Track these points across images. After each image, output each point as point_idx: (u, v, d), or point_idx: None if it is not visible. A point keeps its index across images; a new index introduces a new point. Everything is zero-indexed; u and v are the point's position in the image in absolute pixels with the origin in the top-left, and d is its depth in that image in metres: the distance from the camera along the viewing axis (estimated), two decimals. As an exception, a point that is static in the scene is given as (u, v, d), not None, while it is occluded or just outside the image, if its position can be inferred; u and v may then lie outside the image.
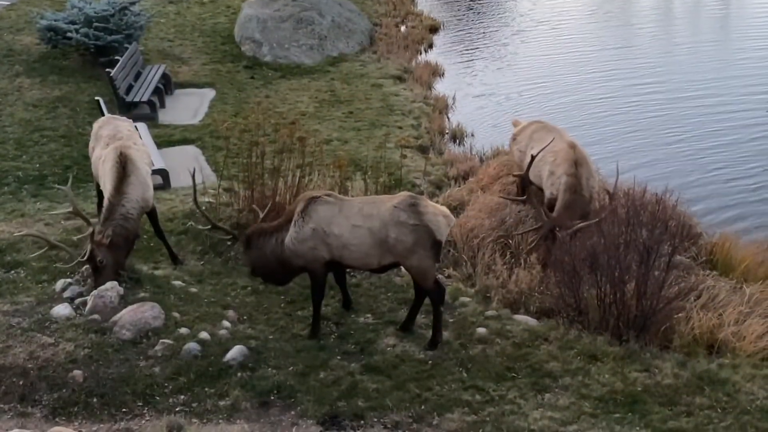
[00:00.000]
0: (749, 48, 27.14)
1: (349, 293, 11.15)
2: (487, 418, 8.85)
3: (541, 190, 13.66)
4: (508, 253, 12.82)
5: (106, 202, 11.45)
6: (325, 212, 10.04)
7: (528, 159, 13.45)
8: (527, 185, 13.84)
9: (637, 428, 8.74)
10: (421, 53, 26.75)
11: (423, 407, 9.03)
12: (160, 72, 20.80)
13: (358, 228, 9.91)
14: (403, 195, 10.18)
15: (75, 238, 12.17)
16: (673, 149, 18.81)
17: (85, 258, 10.91)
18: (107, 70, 19.34)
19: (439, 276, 12.13)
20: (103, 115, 15.47)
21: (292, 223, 10.19)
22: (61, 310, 10.49)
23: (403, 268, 10.98)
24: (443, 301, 10.46)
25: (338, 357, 9.96)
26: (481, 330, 10.60)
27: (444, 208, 10.42)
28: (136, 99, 19.29)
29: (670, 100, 21.88)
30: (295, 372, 9.55)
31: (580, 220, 12.17)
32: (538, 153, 12.92)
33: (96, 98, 17.99)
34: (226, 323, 10.56)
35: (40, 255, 11.81)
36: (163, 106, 20.07)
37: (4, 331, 9.98)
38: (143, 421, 8.62)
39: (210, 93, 21.23)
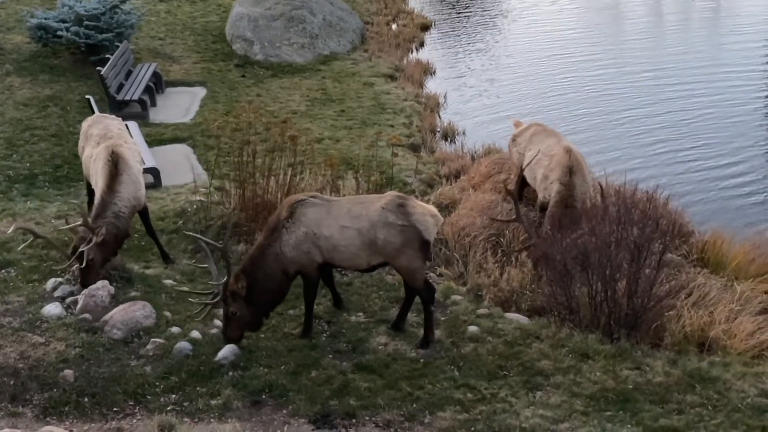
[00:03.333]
0: (742, 42, 27.21)
1: (339, 292, 11.14)
2: (479, 417, 8.85)
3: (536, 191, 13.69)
4: (500, 251, 12.84)
5: (98, 199, 11.43)
6: (314, 214, 9.97)
7: (526, 161, 13.47)
8: (523, 186, 13.91)
9: (629, 426, 8.75)
10: (412, 51, 26.77)
11: (415, 406, 9.02)
12: (151, 70, 20.77)
13: (346, 229, 9.89)
14: (390, 195, 10.16)
15: (68, 237, 12.10)
16: (664, 146, 18.84)
17: (83, 263, 10.85)
18: (98, 68, 19.31)
19: (430, 274, 12.16)
20: (93, 113, 15.43)
21: (283, 230, 9.97)
22: (52, 309, 10.47)
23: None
24: (434, 300, 10.45)
25: (330, 356, 9.96)
26: (473, 328, 10.60)
27: (432, 208, 10.44)
28: (127, 97, 19.27)
29: (662, 97, 21.93)
30: (286, 371, 9.54)
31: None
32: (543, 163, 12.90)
33: (87, 97, 17.96)
34: (217, 322, 10.52)
35: (30, 254, 11.79)
36: (154, 104, 20.05)
37: (-5, 331, 9.97)
38: (134, 421, 8.61)
39: (201, 91, 21.22)
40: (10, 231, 11.85)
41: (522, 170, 13.27)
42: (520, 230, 13.10)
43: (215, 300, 9.91)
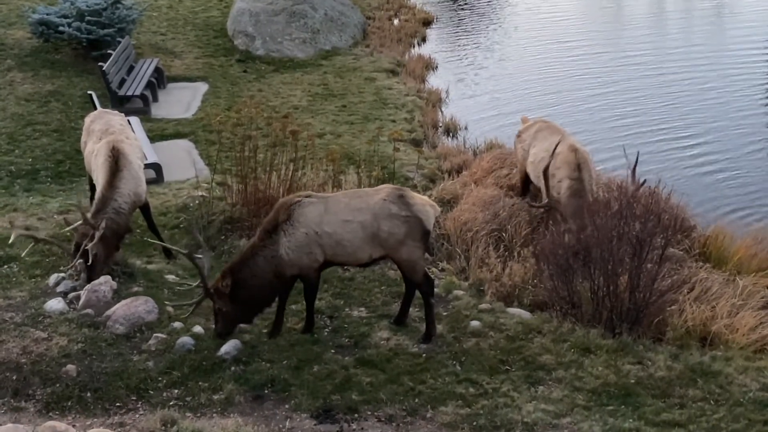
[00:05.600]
0: (744, 35, 27.15)
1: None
2: (481, 411, 8.85)
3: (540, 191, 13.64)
4: (502, 246, 12.84)
5: (98, 195, 11.44)
6: (313, 213, 9.83)
7: (530, 158, 13.48)
8: (527, 182, 13.95)
9: (630, 420, 8.75)
10: (414, 46, 26.74)
11: (417, 400, 9.03)
12: (152, 66, 20.78)
13: (348, 223, 9.84)
14: (388, 188, 10.16)
15: (69, 234, 12.10)
16: (666, 141, 18.82)
17: (87, 258, 10.84)
18: (99, 64, 19.33)
19: (431, 269, 12.16)
20: (95, 109, 15.44)
21: (281, 233, 9.81)
22: (55, 304, 10.47)
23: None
24: (433, 293, 10.43)
25: (332, 351, 9.96)
26: (475, 323, 10.60)
27: (427, 198, 10.51)
28: (129, 93, 19.29)
29: (664, 92, 21.90)
30: (288, 366, 9.54)
31: None
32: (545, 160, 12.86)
33: (88, 92, 17.97)
34: (219, 317, 10.54)
35: (32, 250, 11.77)
36: (155, 100, 20.06)
37: (-3, 326, 9.97)
38: (137, 416, 8.60)
39: (203, 87, 21.23)
40: (11, 240, 11.68)
41: (526, 169, 13.33)
42: (522, 225, 13.12)
43: (194, 303, 9.88)
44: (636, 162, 12.68)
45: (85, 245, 10.81)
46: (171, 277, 11.63)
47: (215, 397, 8.96)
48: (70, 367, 9.23)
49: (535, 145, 13.59)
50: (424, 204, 10.08)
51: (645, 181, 12.30)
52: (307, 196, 10.06)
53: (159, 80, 20.84)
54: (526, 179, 14.05)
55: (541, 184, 13.02)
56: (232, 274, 9.76)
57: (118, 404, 8.81)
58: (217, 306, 9.82)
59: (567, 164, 12.68)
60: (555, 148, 12.78)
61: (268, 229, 9.93)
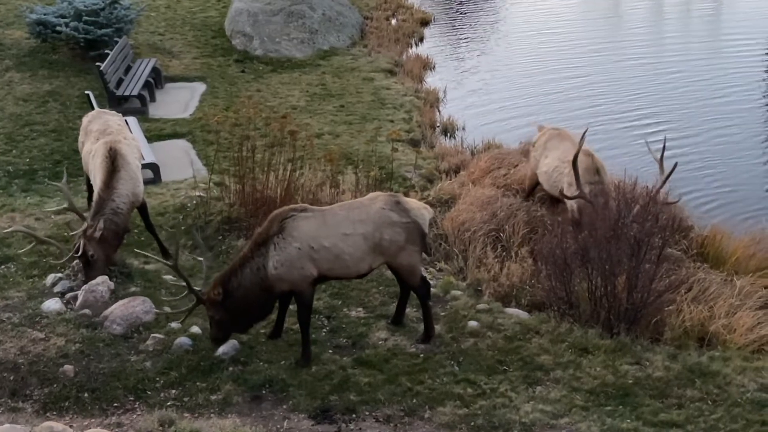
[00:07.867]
0: (744, 34, 27.17)
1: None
2: (479, 411, 8.86)
3: (555, 199, 13.59)
4: (500, 246, 12.85)
5: (96, 196, 11.43)
6: (308, 227, 9.59)
7: (543, 168, 13.46)
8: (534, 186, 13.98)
9: (629, 421, 8.76)
10: (411, 46, 26.70)
11: (415, 401, 9.03)
12: (150, 66, 20.75)
13: (349, 236, 9.65)
14: (383, 195, 10.06)
15: (68, 234, 12.11)
16: (664, 140, 18.79)
17: (79, 253, 10.87)
18: (97, 64, 19.29)
19: (429, 269, 12.16)
20: (93, 109, 15.41)
21: (271, 246, 9.52)
22: (52, 305, 10.47)
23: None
24: (429, 295, 10.39)
25: (330, 351, 9.96)
26: (473, 323, 10.60)
27: (420, 202, 10.54)
28: (127, 93, 19.25)
29: (663, 92, 21.89)
30: (287, 366, 9.55)
31: None
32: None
33: (86, 92, 17.95)
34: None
35: (30, 250, 11.78)
36: (153, 100, 20.02)
37: (-5, 327, 9.97)
38: (134, 416, 8.60)
39: (201, 87, 21.18)
40: (10, 229, 11.82)
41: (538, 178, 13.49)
42: (520, 225, 13.11)
43: (186, 311, 9.80)
44: (663, 149, 12.71)
45: (83, 245, 10.82)
46: (168, 278, 11.60)
47: (213, 397, 8.96)
48: (68, 368, 9.23)
49: (547, 155, 13.57)
50: (420, 208, 10.08)
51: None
52: (302, 210, 9.78)
53: (157, 80, 20.81)
54: (533, 186, 14.10)
55: (567, 178, 12.97)
56: (222, 284, 9.62)
57: (115, 404, 8.82)
58: (210, 314, 9.72)
59: (586, 170, 12.61)
60: (581, 141, 12.59)
61: (258, 242, 9.63)
